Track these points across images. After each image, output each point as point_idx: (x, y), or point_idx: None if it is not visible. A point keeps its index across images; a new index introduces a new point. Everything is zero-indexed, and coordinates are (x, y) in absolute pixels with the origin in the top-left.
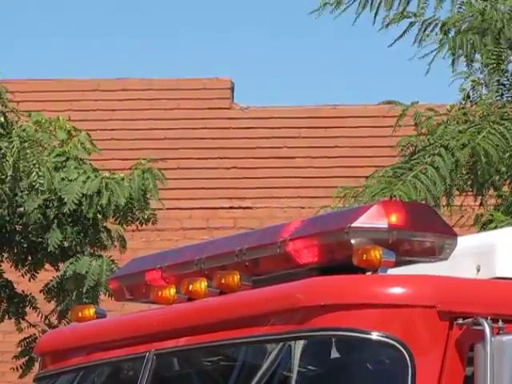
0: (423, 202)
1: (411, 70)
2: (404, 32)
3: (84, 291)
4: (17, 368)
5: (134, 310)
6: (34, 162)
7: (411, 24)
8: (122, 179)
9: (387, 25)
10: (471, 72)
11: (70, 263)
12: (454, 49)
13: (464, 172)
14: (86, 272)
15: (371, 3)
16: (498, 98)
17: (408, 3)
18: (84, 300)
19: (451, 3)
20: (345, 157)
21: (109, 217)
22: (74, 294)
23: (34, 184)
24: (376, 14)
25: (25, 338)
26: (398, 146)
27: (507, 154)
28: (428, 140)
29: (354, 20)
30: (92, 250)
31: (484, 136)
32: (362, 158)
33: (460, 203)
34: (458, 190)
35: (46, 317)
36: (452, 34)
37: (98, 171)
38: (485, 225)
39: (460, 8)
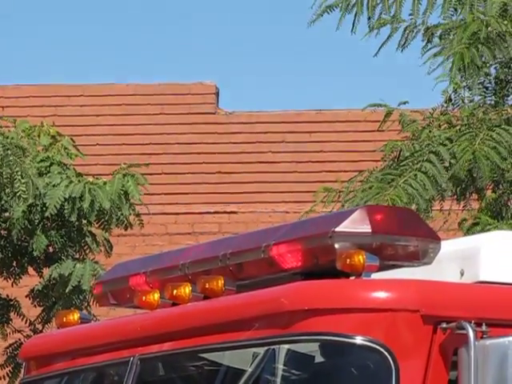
0: (415, 206)
1: (396, 75)
2: (387, 39)
3: (67, 291)
4: (3, 376)
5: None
6: (17, 169)
7: (395, 29)
8: (105, 184)
9: (369, 31)
10: (454, 75)
11: (55, 267)
12: (460, 61)
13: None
14: (70, 274)
15: (354, 6)
16: (481, 101)
17: (389, 8)
18: (74, 302)
19: (442, 7)
20: (329, 161)
21: (92, 222)
22: (61, 297)
23: (16, 191)
24: (355, 18)
25: (10, 345)
26: (385, 150)
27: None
28: (413, 145)
29: (338, 24)
30: (77, 256)
31: (480, 142)
32: (346, 163)
33: (441, 208)
34: (455, 194)
35: (31, 322)
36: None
37: (81, 176)
38: (469, 229)
39: (448, 13)
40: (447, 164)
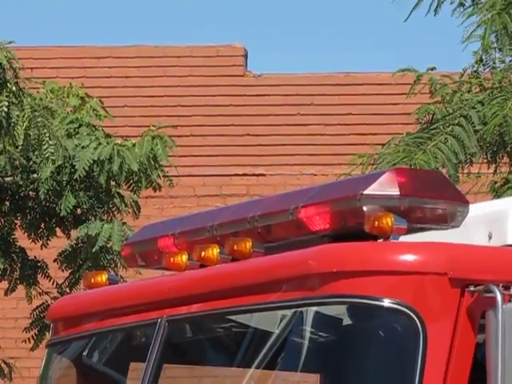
0: (445, 171)
1: (426, 37)
2: (417, 3)
3: (93, 251)
4: (29, 339)
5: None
6: (45, 131)
7: None
8: (134, 145)
9: None
10: (487, 43)
11: (83, 227)
12: (492, 28)
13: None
14: (97, 234)
15: None
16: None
17: None
18: (101, 263)
19: None
20: (357, 124)
21: (121, 183)
22: (89, 258)
23: (45, 153)
24: None
25: (37, 307)
26: (417, 114)
27: None
28: (446, 109)
29: None
30: (105, 217)
31: (510, 107)
32: (374, 126)
33: (473, 171)
34: (486, 158)
35: (59, 285)
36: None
37: (110, 137)
38: (499, 190)
39: None
40: (478, 127)
